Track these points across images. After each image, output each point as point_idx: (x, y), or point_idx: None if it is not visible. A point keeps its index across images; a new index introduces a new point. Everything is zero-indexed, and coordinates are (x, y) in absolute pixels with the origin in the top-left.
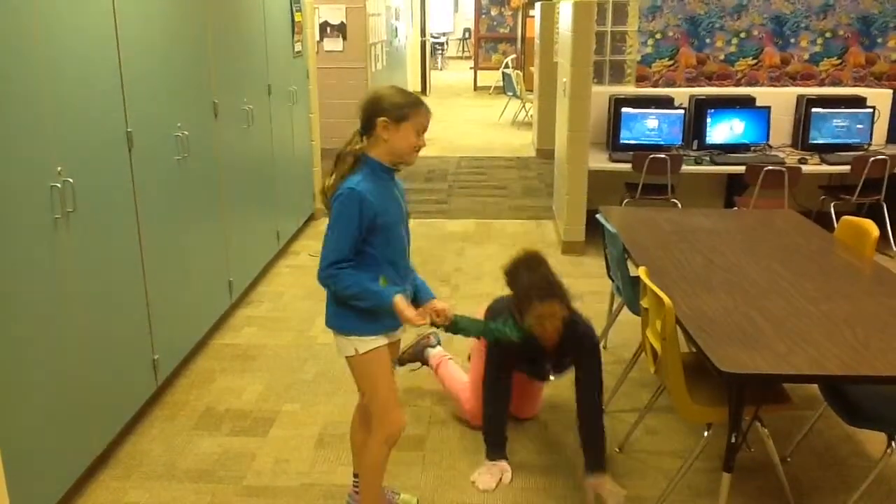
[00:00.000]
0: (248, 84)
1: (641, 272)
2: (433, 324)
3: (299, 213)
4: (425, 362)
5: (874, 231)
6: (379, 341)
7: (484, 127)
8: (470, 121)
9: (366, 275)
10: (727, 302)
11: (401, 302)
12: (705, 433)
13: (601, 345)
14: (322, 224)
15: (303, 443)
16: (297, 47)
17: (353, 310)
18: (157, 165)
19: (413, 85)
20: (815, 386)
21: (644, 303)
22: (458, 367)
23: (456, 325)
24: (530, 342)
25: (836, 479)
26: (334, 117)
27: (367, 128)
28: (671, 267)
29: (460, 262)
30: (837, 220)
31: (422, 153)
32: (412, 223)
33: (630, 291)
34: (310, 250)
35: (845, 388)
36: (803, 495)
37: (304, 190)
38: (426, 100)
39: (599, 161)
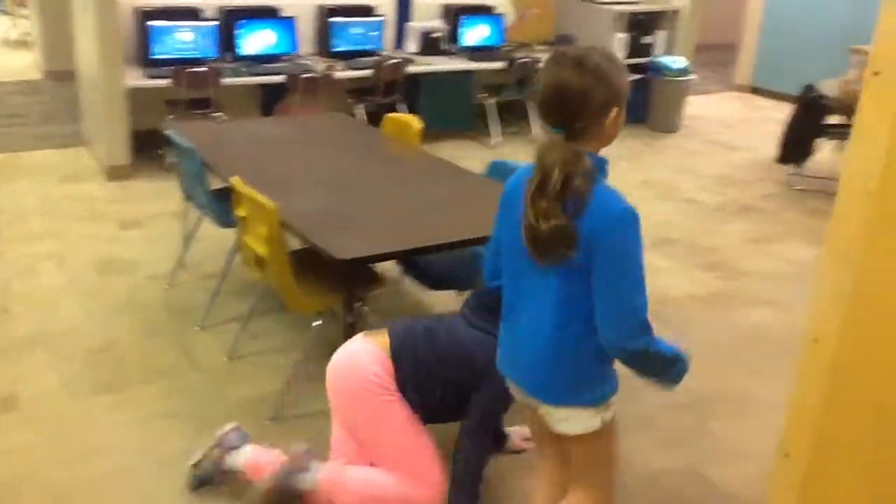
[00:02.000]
0: None
1: (236, 182)
2: None
3: None
4: (298, 498)
5: (416, 124)
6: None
7: None
8: None
9: None
10: (322, 197)
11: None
12: (314, 324)
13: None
14: None
15: None
16: None
17: (600, 366)
18: None
19: None
20: (392, 265)
21: (240, 212)
22: (358, 468)
23: None
24: None
25: None
26: None
27: (592, 118)
28: (259, 174)
29: None
30: (368, 119)
31: None
32: None
33: (216, 205)
34: None
35: (420, 260)
36: None
37: None
38: None
39: (135, 79)
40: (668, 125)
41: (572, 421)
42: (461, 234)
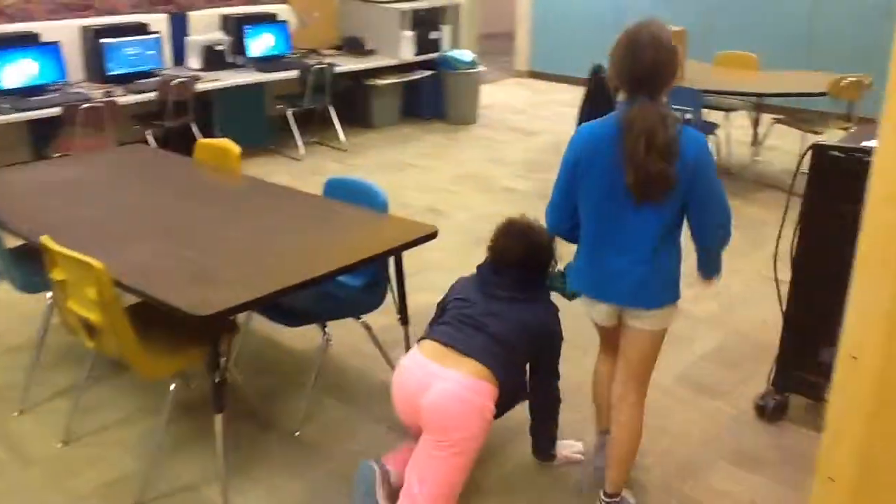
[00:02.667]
0: None
1: (46, 241)
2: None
3: None
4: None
5: (235, 149)
6: None
7: None
8: None
9: None
10: (156, 246)
11: None
12: (171, 387)
13: None
14: None
15: None
16: None
17: (678, 270)
18: None
19: None
20: None
21: (57, 275)
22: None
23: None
24: None
25: (275, 383)
26: None
27: (669, 82)
28: (70, 227)
29: None
30: (160, 145)
31: None
32: None
33: (17, 269)
34: None
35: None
36: (266, 401)
37: None
38: None
39: None
40: (465, 117)
41: (657, 318)
42: (324, 265)
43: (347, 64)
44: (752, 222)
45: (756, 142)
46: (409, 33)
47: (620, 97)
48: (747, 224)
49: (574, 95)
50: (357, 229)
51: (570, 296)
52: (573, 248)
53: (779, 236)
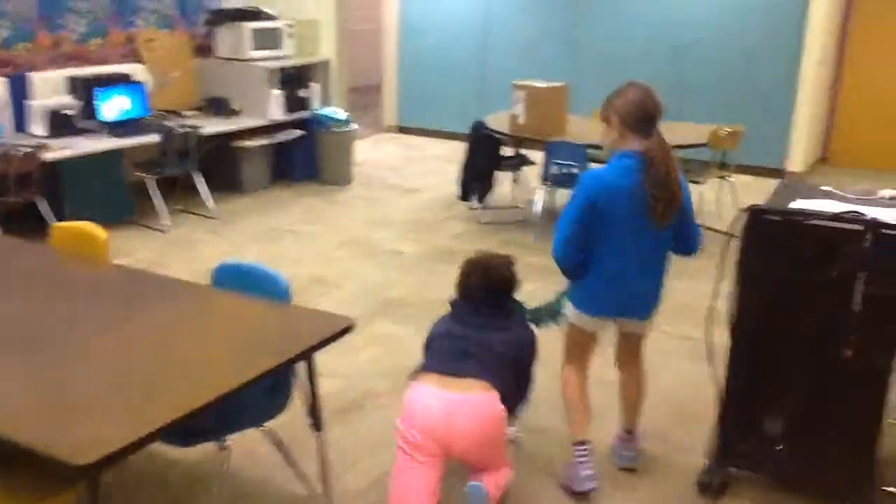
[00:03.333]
0: None
1: None
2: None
3: None
4: None
5: (101, 233)
6: None
7: None
8: None
9: None
10: (10, 371)
11: None
12: None
13: None
14: None
15: None
16: None
17: None
18: None
19: None
20: None
21: None
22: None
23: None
24: None
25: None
26: None
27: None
28: None
29: None
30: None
31: None
32: None
33: None
34: None
35: None
36: None
37: None
38: None
39: None
40: (340, 177)
41: (652, 319)
42: (228, 379)
43: (212, 126)
44: None
45: None
46: (277, 92)
47: (614, 140)
48: None
49: (447, 150)
50: (261, 327)
51: (558, 321)
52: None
53: (713, 296)
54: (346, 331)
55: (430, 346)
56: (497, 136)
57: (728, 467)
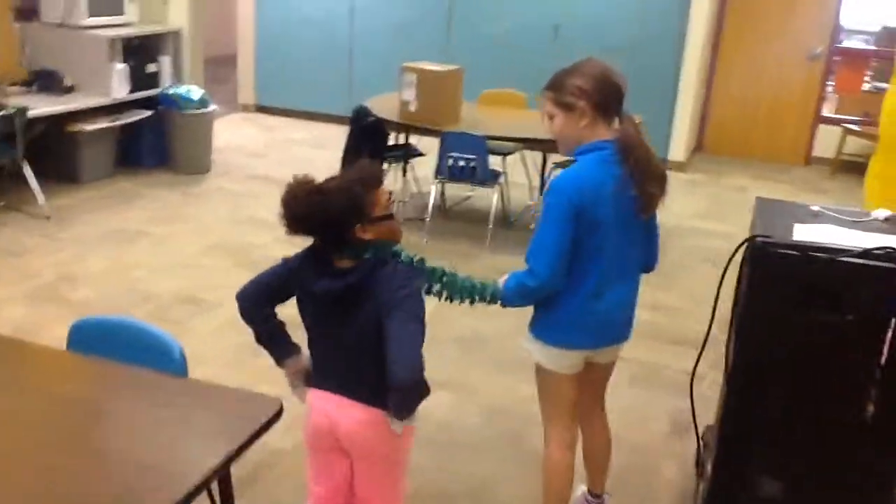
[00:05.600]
0: None
1: None
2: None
3: None
4: None
5: None
6: None
7: None
8: None
9: None
10: None
11: None
12: None
13: None
14: None
15: None
16: None
17: None
18: None
19: None
20: None
21: None
22: None
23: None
24: None
25: None
26: None
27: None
28: None
29: None
30: None
31: None
32: None
33: None
34: None
35: None
36: None
37: None
38: None
39: None
40: (197, 166)
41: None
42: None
43: (42, 106)
44: None
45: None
46: (120, 66)
47: (582, 129)
48: None
49: (313, 134)
50: (149, 427)
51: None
52: None
53: (708, 331)
54: (275, 418)
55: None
56: (383, 123)
57: None
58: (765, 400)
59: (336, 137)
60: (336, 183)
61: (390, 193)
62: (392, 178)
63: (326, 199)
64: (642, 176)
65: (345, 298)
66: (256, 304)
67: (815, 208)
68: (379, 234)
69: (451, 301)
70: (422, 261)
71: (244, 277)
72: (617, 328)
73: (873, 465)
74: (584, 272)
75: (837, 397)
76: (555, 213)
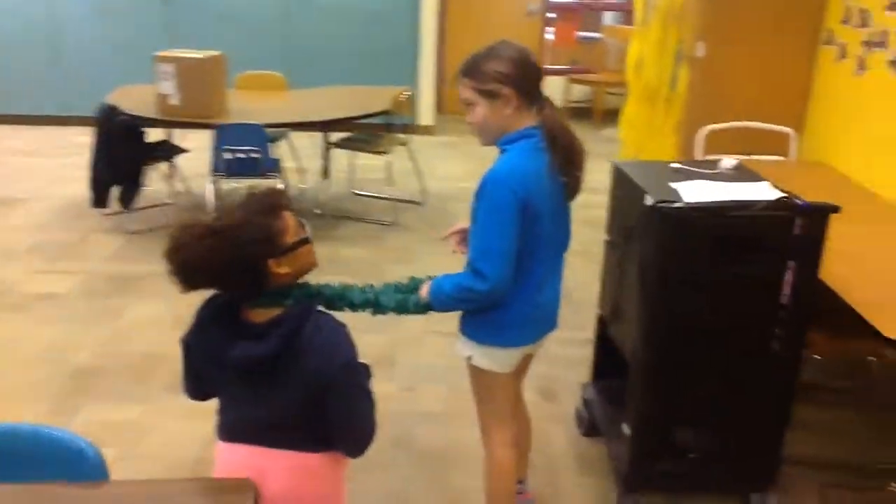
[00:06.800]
0: None
1: None
2: None
3: None
4: None
5: None
6: None
7: None
8: None
9: None
10: None
11: None
12: None
13: None
14: None
15: None
16: None
17: None
18: None
19: None
20: None
21: None
22: None
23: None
24: None
25: None
26: None
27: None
28: None
29: None
30: None
31: None
32: None
33: None
34: None
35: None
36: None
37: None
38: None
39: None
40: None
41: None
42: None
43: None
44: (364, 265)
45: (327, 173)
46: None
47: (507, 117)
48: (361, 268)
49: (24, 140)
50: None
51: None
52: None
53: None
54: None
55: None
56: (137, 121)
57: (638, 491)
58: (683, 356)
59: (61, 140)
60: (231, 219)
61: (296, 214)
62: (156, 181)
63: (226, 239)
64: (570, 161)
65: (266, 365)
66: (208, 395)
67: (675, 165)
68: (297, 264)
69: (375, 314)
70: (320, 294)
71: (13, 323)
72: (554, 316)
73: (776, 389)
74: (527, 267)
75: (746, 339)
76: (496, 211)
